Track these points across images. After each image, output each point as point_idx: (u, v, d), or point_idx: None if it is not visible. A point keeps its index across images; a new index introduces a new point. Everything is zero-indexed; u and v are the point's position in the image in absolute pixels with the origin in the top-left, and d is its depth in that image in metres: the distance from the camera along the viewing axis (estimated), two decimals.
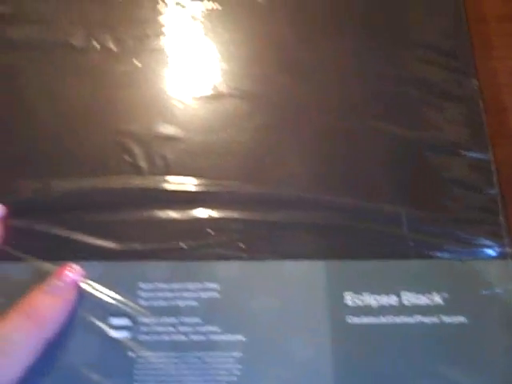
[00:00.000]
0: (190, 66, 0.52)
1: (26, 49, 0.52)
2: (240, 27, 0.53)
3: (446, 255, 0.45)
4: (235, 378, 0.41)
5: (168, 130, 0.49)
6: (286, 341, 0.43)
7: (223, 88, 0.51)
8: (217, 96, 0.50)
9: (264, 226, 0.46)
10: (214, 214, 0.46)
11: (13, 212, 0.45)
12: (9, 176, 0.47)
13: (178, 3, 0.54)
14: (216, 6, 0.54)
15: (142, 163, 0.48)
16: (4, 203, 0.45)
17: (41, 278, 0.42)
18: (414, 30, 0.54)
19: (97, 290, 0.43)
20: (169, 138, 0.49)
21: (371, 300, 0.44)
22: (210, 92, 0.51)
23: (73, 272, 0.42)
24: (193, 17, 0.54)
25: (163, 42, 0.53)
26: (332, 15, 0.55)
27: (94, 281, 0.44)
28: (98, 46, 0.52)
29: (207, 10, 0.54)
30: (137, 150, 0.48)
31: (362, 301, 0.44)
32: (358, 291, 0.44)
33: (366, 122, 0.50)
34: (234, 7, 0.54)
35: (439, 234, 0.46)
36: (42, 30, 0.52)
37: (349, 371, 0.42)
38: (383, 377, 0.42)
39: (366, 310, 0.43)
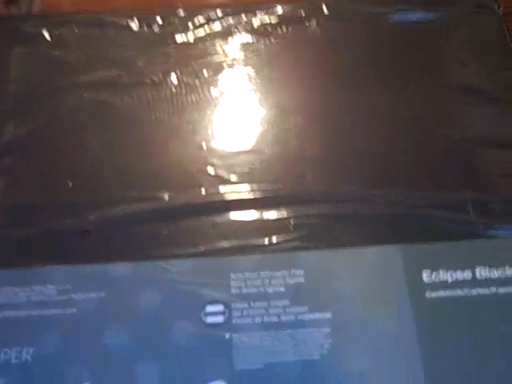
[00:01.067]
0: (258, 91, 0.58)
1: (112, 87, 0.59)
2: (302, 56, 0.60)
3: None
4: (326, 351, 0.44)
5: (245, 144, 0.54)
6: (370, 316, 0.45)
7: (288, 106, 0.57)
8: (282, 113, 0.56)
9: (340, 219, 0.50)
10: (293, 212, 0.50)
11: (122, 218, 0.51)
12: (118, 188, 0.53)
13: (240, 43, 0.62)
14: (279, 40, 0.61)
15: (225, 174, 0.52)
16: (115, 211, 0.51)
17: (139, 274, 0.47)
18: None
19: (192, 284, 0.47)
20: (246, 151, 0.54)
21: (447, 276, 0.47)
22: (276, 111, 0.56)
23: None
24: (257, 49, 0.60)
25: (233, 73, 0.60)
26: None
27: (186, 275, 0.47)
28: (175, 81, 0.58)
29: (272, 42, 0.61)
30: (219, 163, 0.53)
31: (439, 277, 0.47)
32: (434, 269, 0.47)
33: (426, 129, 0.55)
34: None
35: (504, 215, 0.49)
36: (123, 71, 0.59)
37: (432, 340, 0.44)
38: (463, 344, 0.44)
39: (443, 285, 0.46)
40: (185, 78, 0.59)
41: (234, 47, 0.62)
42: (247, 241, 0.49)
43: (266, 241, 0.49)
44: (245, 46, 0.62)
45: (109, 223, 0.51)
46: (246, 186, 0.52)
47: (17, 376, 0.44)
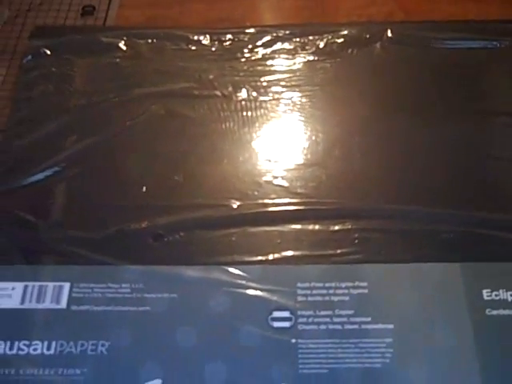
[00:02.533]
0: (323, 108, 0.61)
1: (184, 98, 0.62)
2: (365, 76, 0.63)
3: None
4: (388, 360, 0.46)
5: (311, 159, 0.57)
6: (430, 329, 0.47)
7: (353, 124, 0.59)
8: (346, 131, 0.59)
9: (402, 235, 0.52)
10: (357, 226, 0.52)
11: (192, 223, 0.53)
12: (189, 194, 0.55)
13: (307, 61, 0.64)
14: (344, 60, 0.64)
15: (291, 186, 0.55)
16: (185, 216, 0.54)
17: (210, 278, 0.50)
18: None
19: (260, 289, 0.49)
20: (312, 165, 0.56)
21: (507, 295, 0.48)
22: (340, 128, 0.59)
23: None
24: (323, 68, 0.63)
25: (299, 89, 0.63)
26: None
27: (255, 282, 0.50)
28: (244, 95, 0.61)
29: (337, 62, 0.64)
30: (286, 175, 0.55)
31: (499, 296, 0.48)
32: (494, 288, 0.49)
33: (483, 153, 0.57)
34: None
35: None
36: (194, 83, 0.63)
37: (491, 355, 0.46)
38: None
39: (504, 304, 0.48)
40: (254, 93, 0.61)
41: (300, 65, 0.64)
42: (312, 251, 0.51)
43: (331, 252, 0.51)
44: (311, 65, 0.65)
45: (180, 227, 0.53)
46: (313, 199, 0.54)
47: (92, 367, 0.46)
